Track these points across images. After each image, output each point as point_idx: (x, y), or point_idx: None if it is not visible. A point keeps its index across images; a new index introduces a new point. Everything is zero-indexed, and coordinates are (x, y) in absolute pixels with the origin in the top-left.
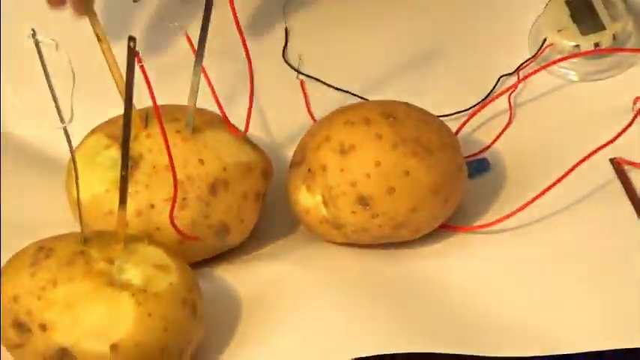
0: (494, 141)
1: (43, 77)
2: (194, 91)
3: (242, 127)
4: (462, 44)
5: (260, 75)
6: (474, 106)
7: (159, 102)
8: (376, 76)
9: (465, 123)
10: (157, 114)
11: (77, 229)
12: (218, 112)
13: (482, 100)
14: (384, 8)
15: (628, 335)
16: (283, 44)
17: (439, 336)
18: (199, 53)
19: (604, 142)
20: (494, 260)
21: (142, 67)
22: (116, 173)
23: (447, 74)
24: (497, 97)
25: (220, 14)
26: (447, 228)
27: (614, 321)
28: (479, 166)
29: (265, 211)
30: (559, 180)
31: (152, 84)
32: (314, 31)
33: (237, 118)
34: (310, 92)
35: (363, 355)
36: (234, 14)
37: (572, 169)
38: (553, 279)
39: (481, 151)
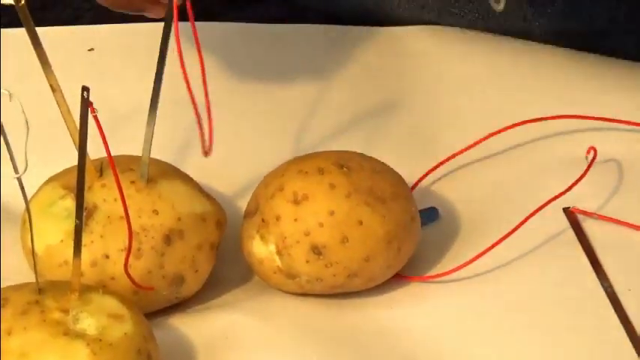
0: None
1: None
2: (148, 141)
3: (197, 177)
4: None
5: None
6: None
7: (114, 152)
8: (331, 125)
9: (423, 177)
10: (112, 164)
11: (32, 279)
12: (172, 162)
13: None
14: (335, 60)
15: None
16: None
17: None
18: (153, 104)
19: (556, 191)
20: (447, 310)
21: (95, 117)
22: (71, 223)
23: (404, 125)
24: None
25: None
26: (400, 277)
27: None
28: (428, 216)
29: (219, 261)
30: (513, 230)
31: (106, 134)
32: None
33: (192, 167)
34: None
35: None
36: (183, 66)
37: (526, 220)
38: (506, 329)
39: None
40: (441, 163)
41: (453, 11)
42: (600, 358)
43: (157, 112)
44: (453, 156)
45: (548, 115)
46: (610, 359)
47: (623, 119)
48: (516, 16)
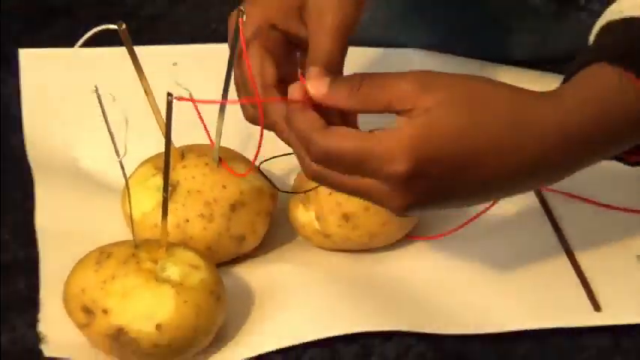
0: None
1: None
2: (219, 133)
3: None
4: None
5: None
6: None
7: (193, 142)
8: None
9: None
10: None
11: (131, 237)
12: (237, 149)
13: None
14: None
15: (544, 318)
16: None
17: (403, 318)
18: (222, 105)
19: None
20: (444, 262)
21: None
22: (160, 196)
23: None
24: None
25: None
26: (410, 238)
27: (531, 307)
28: None
29: (272, 224)
30: (495, 202)
31: (186, 126)
32: None
33: (252, 153)
34: None
35: (348, 332)
36: (249, 67)
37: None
38: (487, 278)
39: None
40: None
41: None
42: (558, 299)
43: (225, 111)
44: None
45: None
46: (566, 300)
47: None
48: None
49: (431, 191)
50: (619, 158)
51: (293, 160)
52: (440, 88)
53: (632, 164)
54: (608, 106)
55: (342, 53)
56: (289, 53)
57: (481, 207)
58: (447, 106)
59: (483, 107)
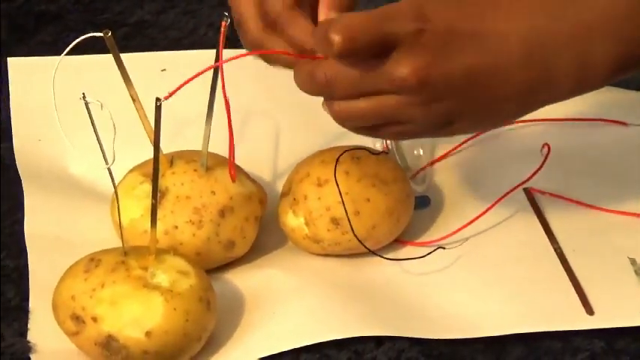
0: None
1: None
2: (206, 139)
3: (244, 166)
4: None
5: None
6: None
7: (181, 148)
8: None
9: (420, 170)
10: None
11: (120, 245)
12: (225, 155)
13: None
14: None
15: (534, 323)
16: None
17: (394, 323)
18: (209, 111)
19: (518, 177)
20: (433, 266)
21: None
22: (149, 202)
23: None
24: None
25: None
26: (399, 242)
27: (523, 310)
28: (422, 201)
29: (261, 230)
30: (489, 208)
31: (174, 134)
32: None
33: (241, 158)
34: (294, 138)
35: (340, 337)
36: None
37: (499, 200)
38: (477, 281)
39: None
40: (436, 161)
41: None
42: (551, 303)
43: (213, 117)
44: (445, 155)
45: None
46: (558, 304)
47: (569, 117)
48: None
49: (443, 47)
50: None
51: (282, 166)
52: None
53: None
54: None
55: None
56: None
57: (473, 214)
58: None
59: None
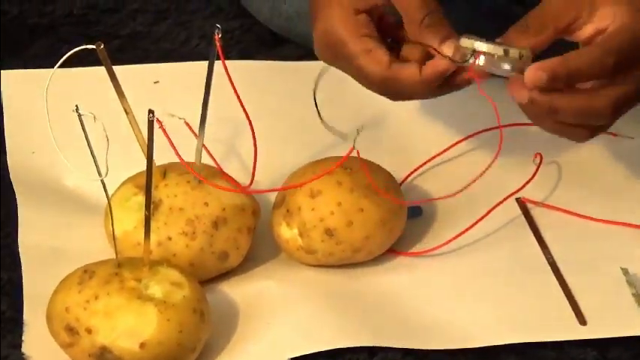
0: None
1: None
2: (199, 151)
3: (237, 177)
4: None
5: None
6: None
7: (174, 160)
8: (337, 137)
9: (408, 176)
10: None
11: (113, 256)
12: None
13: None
14: (340, 90)
15: (526, 332)
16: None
17: (387, 333)
18: (202, 122)
19: (510, 186)
20: (427, 276)
21: (162, 128)
22: (142, 214)
23: (391, 136)
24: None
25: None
26: (392, 252)
27: (516, 321)
28: (414, 211)
29: (255, 242)
30: (481, 218)
31: (165, 145)
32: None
33: (234, 170)
34: (286, 151)
35: (333, 348)
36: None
37: (491, 210)
38: (471, 290)
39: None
40: (421, 166)
41: None
42: (543, 313)
43: (205, 128)
44: (430, 160)
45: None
46: (550, 314)
47: None
48: None
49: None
50: None
51: (275, 177)
52: None
53: None
54: None
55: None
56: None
57: (465, 223)
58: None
59: None
